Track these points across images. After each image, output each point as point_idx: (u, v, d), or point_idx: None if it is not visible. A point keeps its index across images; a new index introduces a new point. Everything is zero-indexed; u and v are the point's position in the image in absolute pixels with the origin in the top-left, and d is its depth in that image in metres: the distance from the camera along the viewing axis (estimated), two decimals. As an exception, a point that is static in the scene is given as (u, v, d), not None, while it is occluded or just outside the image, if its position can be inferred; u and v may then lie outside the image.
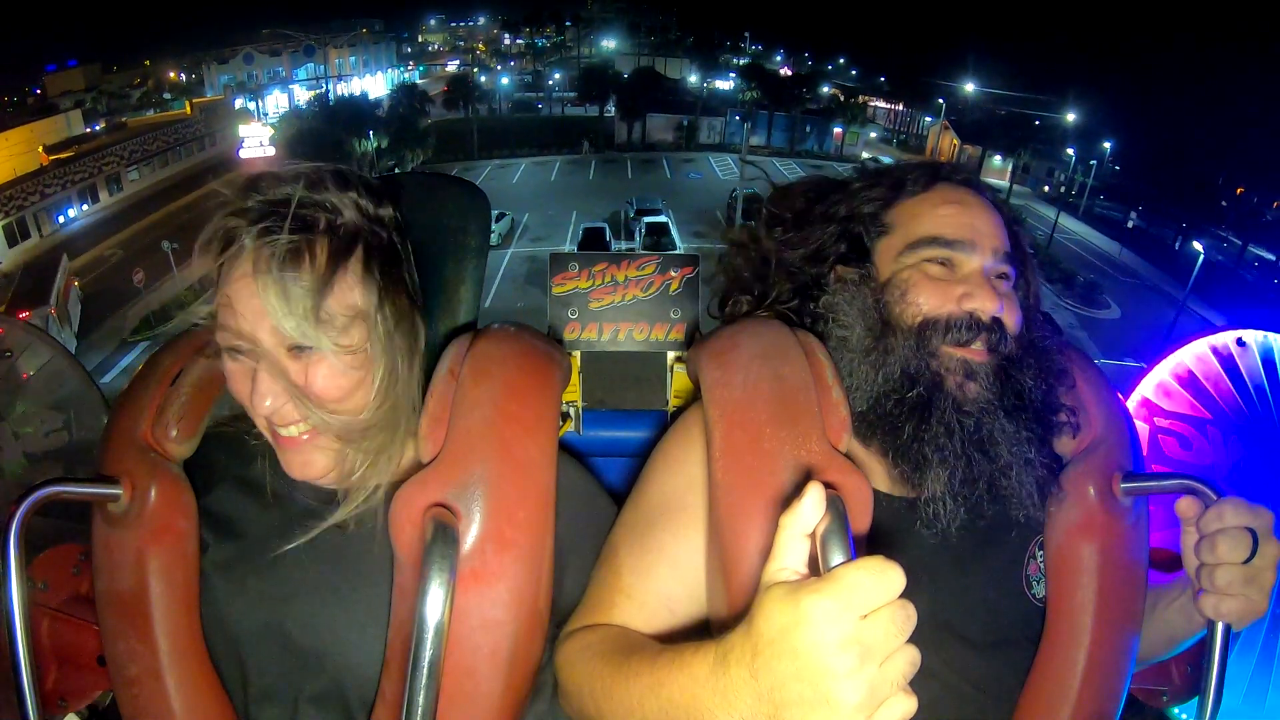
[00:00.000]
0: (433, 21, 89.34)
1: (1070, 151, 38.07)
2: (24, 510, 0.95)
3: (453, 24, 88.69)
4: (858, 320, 1.12)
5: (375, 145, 37.46)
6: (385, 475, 1.06)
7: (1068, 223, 33.71)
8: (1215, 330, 1.78)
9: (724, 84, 59.57)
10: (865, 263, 1.16)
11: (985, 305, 1.06)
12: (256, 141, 29.67)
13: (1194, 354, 1.80)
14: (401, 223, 1.08)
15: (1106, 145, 37.46)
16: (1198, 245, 26.43)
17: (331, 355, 0.97)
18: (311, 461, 1.03)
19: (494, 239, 27.53)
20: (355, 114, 37.03)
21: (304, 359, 0.97)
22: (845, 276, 1.17)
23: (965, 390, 1.06)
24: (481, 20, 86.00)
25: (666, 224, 28.20)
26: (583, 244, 26.27)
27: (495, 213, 29.73)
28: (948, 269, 1.10)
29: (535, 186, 39.98)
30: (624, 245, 27.72)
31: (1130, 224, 35.30)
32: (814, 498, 0.67)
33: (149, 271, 24.23)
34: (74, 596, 1.25)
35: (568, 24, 79.80)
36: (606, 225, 28.14)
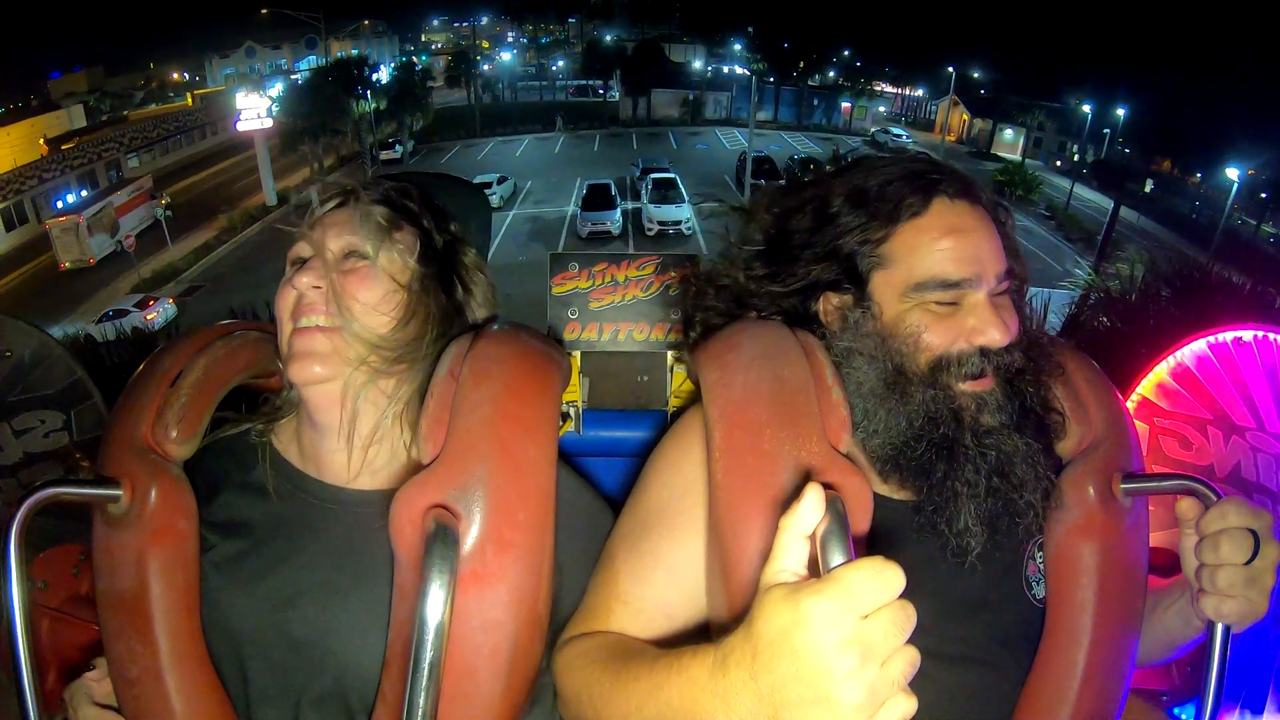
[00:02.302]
0: (435, 22, 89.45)
1: (1086, 109, 37.66)
2: (24, 511, 0.96)
3: (456, 24, 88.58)
4: (868, 366, 1.10)
5: (374, 107, 37.39)
6: (377, 415, 1.12)
7: (1083, 192, 33.63)
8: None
9: (727, 68, 59.44)
10: (863, 294, 1.12)
11: (996, 338, 1.05)
12: (254, 114, 29.64)
13: (1194, 354, 1.80)
14: (453, 257, 1.22)
15: (1120, 112, 37.01)
16: (1231, 173, 25.79)
17: (375, 269, 1.11)
18: (315, 358, 1.07)
19: (495, 201, 26.98)
20: (354, 74, 36.96)
21: (352, 265, 1.11)
22: (840, 306, 1.15)
23: (981, 421, 1.06)
24: (485, 20, 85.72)
25: (674, 179, 27.68)
26: (586, 199, 25.90)
27: (496, 176, 29.50)
28: (951, 304, 1.08)
29: (538, 159, 39.91)
30: (630, 204, 27.26)
31: (1148, 189, 35.04)
32: (813, 499, 0.67)
33: (143, 245, 25.17)
34: (74, 596, 1.26)
35: (571, 19, 79.58)
36: (611, 182, 27.62)
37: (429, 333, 1.13)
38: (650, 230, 24.97)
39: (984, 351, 1.06)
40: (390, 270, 1.12)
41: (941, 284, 1.07)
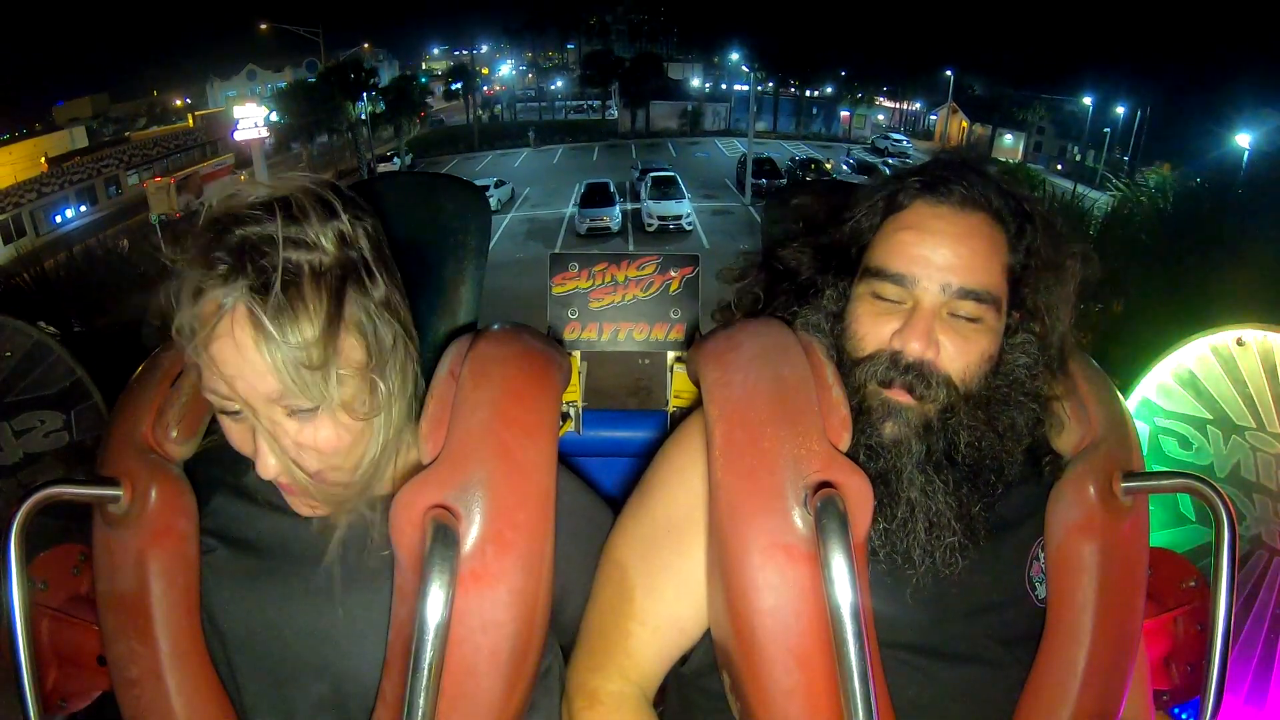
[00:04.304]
0: (436, 51, 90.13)
1: (1087, 102, 37.60)
2: (24, 511, 0.95)
3: (456, 51, 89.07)
4: (825, 340, 1.11)
5: (371, 109, 37.80)
6: (383, 486, 1.05)
7: (1085, 192, 33.93)
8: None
9: (725, 85, 59.92)
10: (846, 277, 1.14)
11: (909, 346, 1.02)
12: (251, 123, 29.80)
13: (1194, 354, 1.80)
14: (380, 229, 1.00)
15: (1120, 110, 36.95)
16: (1242, 140, 25.64)
17: (332, 413, 0.94)
18: (316, 505, 1.02)
19: (492, 205, 26.43)
20: (352, 76, 37.28)
21: (305, 418, 0.93)
22: (834, 285, 1.16)
23: (880, 429, 1.04)
24: (484, 48, 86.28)
25: (674, 176, 27.42)
26: (585, 196, 25.66)
27: (494, 179, 29.42)
28: (895, 302, 1.06)
29: (537, 169, 40.11)
30: (629, 205, 26.96)
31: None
32: None
33: (141, 254, 25.19)
34: (74, 596, 1.26)
35: (569, 45, 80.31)
36: (610, 181, 27.29)
37: (400, 380, 1.01)
38: (650, 226, 24.67)
39: (895, 358, 1.03)
40: (347, 394, 0.94)
41: (879, 273, 1.06)
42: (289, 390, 0.88)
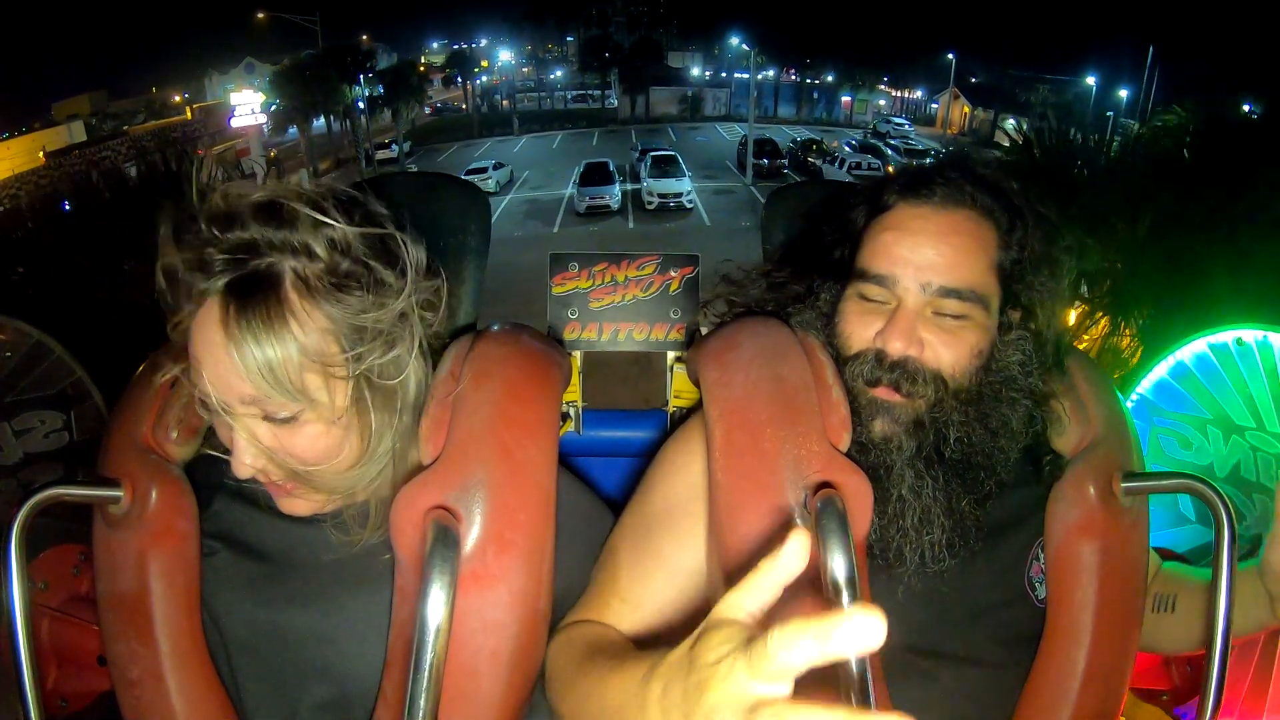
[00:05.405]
0: (435, 45, 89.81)
1: (1090, 82, 37.49)
2: (25, 512, 0.95)
3: (455, 46, 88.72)
4: (823, 340, 1.12)
5: (368, 93, 37.81)
6: (385, 489, 1.04)
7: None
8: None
9: (725, 74, 59.92)
10: (840, 280, 1.14)
11: (891, 345, 1.03)
12: (248, 109, 29.58)
13: (1194, 354, 1.80)
14: (397, 236, 0.98)
15: (1123, 94, 36.67)
16: (1246, 110, 25.54)
17: (312, 421, 0.93)
18: (298, 505, 1.02)
19: (491, 187, 26.62)
20: (349, 58, 37.31)
21: (283, 425, 0.93)
22: (829, 287, 1.16)
23: (870, 426, 1.05)
24: (484, 42, 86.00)
25: (674, 155, 27.18)
26: (584, 175, 25.48)
27: (492, 163, 29.43)
28: (880, 303, 1.06)
29: (536, 154, 40.10)
30: (630, 186, 26.58)
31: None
32: (796, 548, 0.58)
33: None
34: (74, 596, 1.26)
35: (569, 38, 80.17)
36: (609, 160, 27.10)
37: (419, 387, 1.02)
38: (650, 204, 24.40)
39: (880, 357, 1.04)
40: (330, 402, 0.93)
41: (863, 274, 1.07)
42: (261, 396, 0.89)
